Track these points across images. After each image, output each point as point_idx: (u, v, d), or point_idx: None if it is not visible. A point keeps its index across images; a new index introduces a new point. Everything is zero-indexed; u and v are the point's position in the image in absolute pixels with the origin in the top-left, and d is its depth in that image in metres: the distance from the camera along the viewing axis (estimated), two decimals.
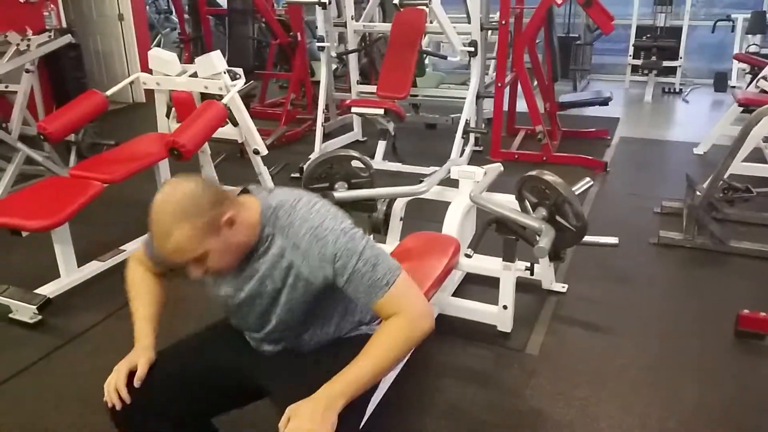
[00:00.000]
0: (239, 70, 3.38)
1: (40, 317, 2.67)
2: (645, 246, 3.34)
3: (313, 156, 4.78)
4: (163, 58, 3.43)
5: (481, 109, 5.25)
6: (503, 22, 4.54)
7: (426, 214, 3.03)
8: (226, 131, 3.57)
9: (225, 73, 3.31)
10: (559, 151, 4.99)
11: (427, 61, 6.41)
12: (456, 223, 2.66)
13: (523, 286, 2.83)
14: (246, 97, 5.62)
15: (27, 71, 4.16)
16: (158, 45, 9.41)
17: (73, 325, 2.68)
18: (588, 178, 2.46)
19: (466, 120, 4.59)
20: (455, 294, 2.76)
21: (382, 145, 4.63)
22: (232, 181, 4.24)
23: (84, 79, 6.37)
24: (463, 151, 4.78)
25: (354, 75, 5.26)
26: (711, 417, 2.08)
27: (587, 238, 2.82)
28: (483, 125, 5.25)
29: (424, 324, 1.36)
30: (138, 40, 7.24)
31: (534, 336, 2.54)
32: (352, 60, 5.22)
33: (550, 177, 2.23)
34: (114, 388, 1.43)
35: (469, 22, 4.70)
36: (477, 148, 5.12)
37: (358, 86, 5.25)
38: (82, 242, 3.14)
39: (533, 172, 2.30)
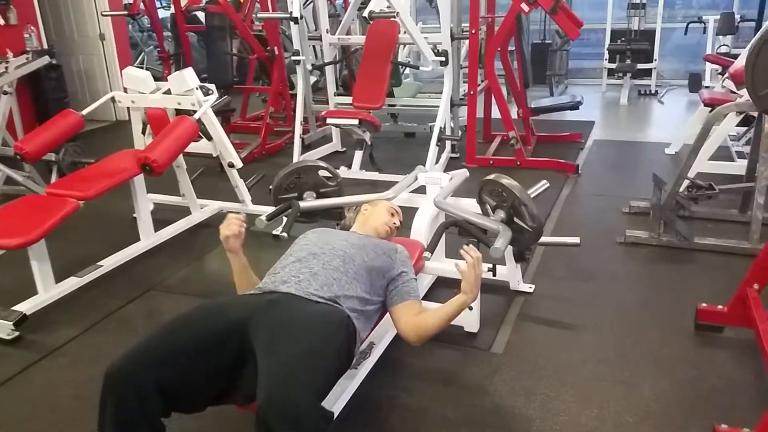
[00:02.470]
0: (212, 86, 3.46)
1: (17, 333, 2.72)
2: (612, 245, 3.43)
3: None
4: (137, 76, 3.51)
5: (457, 116, 5.35)
6: (473, 31, 4.64)
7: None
8: (201, 146, 3.65)
9: (197, 89, 3.39)
10: (533, 155, 5.09)
11: (407, 71, 6.53)
12: (423, 228, 2.74)
13: (491, 287, 2.91)
14: (225, 111, 5.72)
15: (4, 93, 4.22)
16: (141, 63, 9.51)
17: (50, 340, 2.73)
18: (544, 181, 2.55)
19: (440, 127, 4.68)
20: (426, 297, 2.83)
21: (359, 155, 4.72)
22: (212, 194, 4.34)
23: (66, 98, 6.44)
24: (438, 158, 4.87)
25: (331, 87, 5.36)
26: (667, 407, 2.15)
27: (550, 239, 2.92)
28: (459, 132, 5.35)
29: None
30: (119, 59, 7.32)
31: (500, 335, 2.61)
32: (329, 72, 5.32)
33: (506, 180, 2.31)
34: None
35: None
36: (453, 155, 5.22)
37: (336, 98, 5.34)
38: (60, 259, 3.20)
39: (491, 176, 2.38)
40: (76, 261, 3.34)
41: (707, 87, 7.25)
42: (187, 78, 3.34)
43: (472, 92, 4.87)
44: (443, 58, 4.58)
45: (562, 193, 4.30)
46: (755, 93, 2.14)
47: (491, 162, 5.00)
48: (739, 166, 4.17)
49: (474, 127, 5.00)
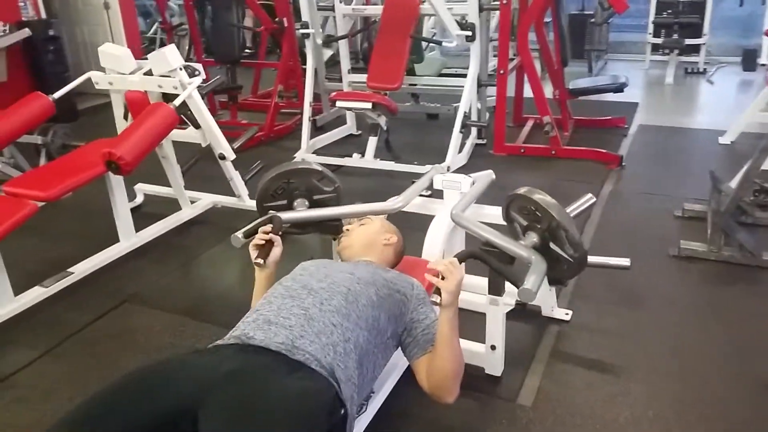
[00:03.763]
0: (199, 66, 3.00)
1: None
2: (663, 259, 2.91)
3: (299, 154, 4.40)
4: (114, 53, 3.06)
5: (485, 97, 4.83)
6: (504, 1, 4.08)
7: (414, 223, 2.59)
8: (189, 134, 3.21)
9: (181, 69, 2.93)
10: (570, 143, 4.55)
11: (431, 45, 5.96)
12: (437, 247, 2.27)
13: (519, 312, 2.44)
14: (232, 89, 5.27)
15: None
16: (155, 34, 9.08)
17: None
18: (590, 195, 2.04)
19: (465, 112, 4.16)
20: None
21: (373, 142, 4.23)
22: (207, 186, 3.87)
23: (66, 73, 6.00)
24: (462, 145, 4.36)
25: (345, 63, 4.85)
26: None
27: (595, 259, 2.42)
28: (487, 115, 4.83)
29: None
30: (126, 30, 6.86)
31: (528, 380, 2.14)
32: (343, 47, 4.80)
33: (540, 196, 1.82)
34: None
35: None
36: (480, 141, 4.70)
37: (350, 76, 4.84)
38: (31, 261, 2.98)
39: (521, 190, 1.88)
40: (50, 263, 2.96)
41: (764, 65, 6.58)
42: (168, 57, 2.88)
43: (502, 71, 4.32)
44: (469, 33, 4.04)
45: (603, 190, 3.77)
46: None
47: (522, 150, 4.47)
48: None
49: (503, 110, 4.47)
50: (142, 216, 3.62)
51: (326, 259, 1.94)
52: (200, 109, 3.01)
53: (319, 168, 2.25)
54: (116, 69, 3.09)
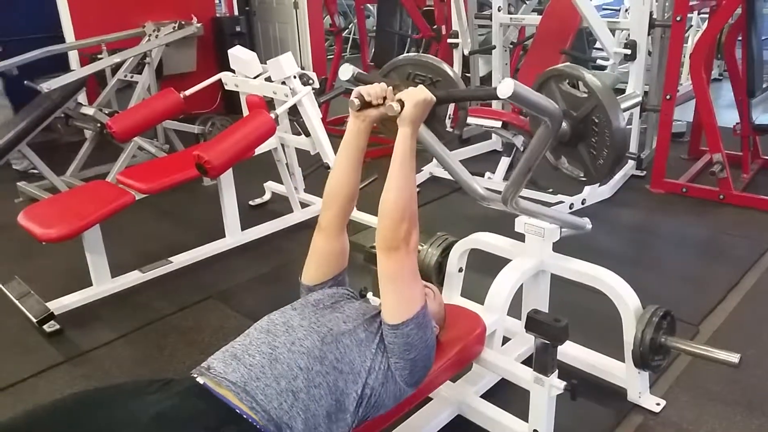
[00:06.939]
0: (313, 75, 2.98)
1: (57, 326, 2.57)
2: None
3: (428, 167, 4.24)
4: (241, 57, 3.16)
5: (653, 124, 4.26)
6: (678, 18, 3.51)
7: (494, 264, 2.30)
8: (300, 141, 3.23)
9: (295, 77, 2.93)
10: (747, 188, 3.82)
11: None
12: (500, 301, 1.99)
13: (599, 388, 2.08)
14: None
15: (146, 63, 4.21)
16: (350, 34, 9.46)
17: (85, 341, 2.54)
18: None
19: None
20: (489, 393, 2.08)
21: (504, 162, 3.92)
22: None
23: None
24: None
25: (497, 76, 4.57)
26: None
27: (697, 349, 1.99)
28: (654, 144, 4.25)
29: None
30: (311, 29, 7.19)
31: None
32: (497, 58, 4.52)
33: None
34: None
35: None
36: (638, 173, 4.15)
37: None
38: (151, 242, 3.30)
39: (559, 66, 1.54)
40: (167, 247, 3.17)
41: None
42: (283, 64, 2.89)
43: (668, 96, 3.75)
44: (628, 51, 3.55)
45: (761, 252, 3.09)
46: None
47: (684, 190, 3.84)
48: None
49: (667, 141, 3.88)
50: (263, 213, 3.75)
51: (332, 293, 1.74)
52: (310, 117, 2.99)
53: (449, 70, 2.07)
54: (243, 72, 3.19)
